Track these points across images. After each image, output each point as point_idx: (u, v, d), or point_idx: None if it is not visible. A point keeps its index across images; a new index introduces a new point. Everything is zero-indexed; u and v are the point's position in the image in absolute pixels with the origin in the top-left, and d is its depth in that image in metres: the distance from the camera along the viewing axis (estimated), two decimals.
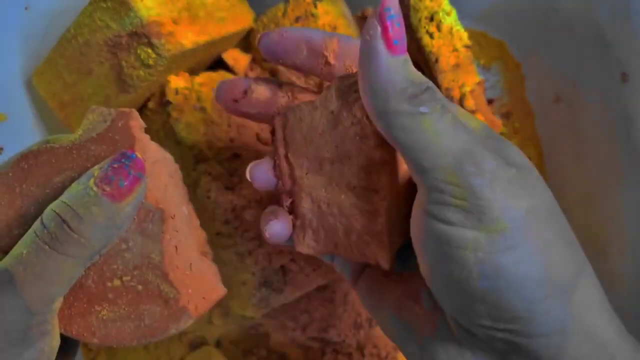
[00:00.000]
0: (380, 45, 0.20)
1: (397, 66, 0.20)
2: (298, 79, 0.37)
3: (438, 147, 0.20)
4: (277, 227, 0.26)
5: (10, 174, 0.24)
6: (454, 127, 0.20)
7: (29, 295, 0.20)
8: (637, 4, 0.36)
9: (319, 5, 0.37)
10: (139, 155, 0.23)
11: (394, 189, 0.24)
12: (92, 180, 0.22)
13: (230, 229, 0.34)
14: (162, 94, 0.36)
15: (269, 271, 0.34)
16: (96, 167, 0.22)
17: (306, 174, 0.25)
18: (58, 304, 0.22)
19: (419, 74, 0.21)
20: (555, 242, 0.20)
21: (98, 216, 0.21)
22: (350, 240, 0.25)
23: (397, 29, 0.20)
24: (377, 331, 0.38)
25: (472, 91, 0.35)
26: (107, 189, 0.21)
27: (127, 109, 0.25)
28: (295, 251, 0.34)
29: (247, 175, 0.27)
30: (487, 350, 0.22)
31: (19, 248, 0.21)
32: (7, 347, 0.20)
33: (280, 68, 0.37)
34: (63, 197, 0.22)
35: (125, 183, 0.22)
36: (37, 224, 0.21)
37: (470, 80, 0.35)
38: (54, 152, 0.24)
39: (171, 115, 0.35)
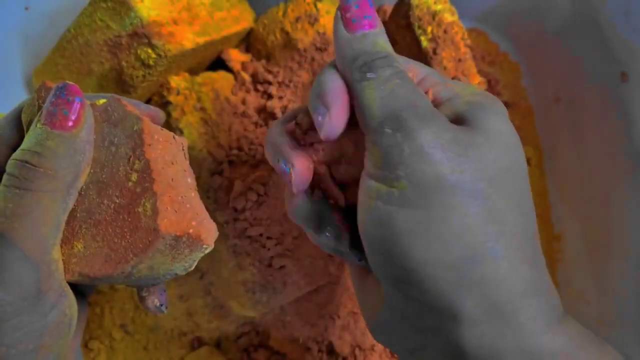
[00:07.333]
0: (339, 25, 0.23)
1: (351, 41, 0.23)
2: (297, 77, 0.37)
3: (371, 111, 0.22)
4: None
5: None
6: (393, 93, 0.22)
7: (22, 242, 0.20)
8: (637, 4, 0.36)
9: (319, 5, 0.37)
10: (69, 83, 0.23)
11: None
12: (38, 122, 0.22)
13: (230, 229, 0.34)
14: (162, 94, 0.36)
15: (269, 271, 0.34)
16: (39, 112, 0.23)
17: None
18: (57, 253, 0.22)
19: (383, 45, 0.23)
20: (465, 214, 0.20)
21: (56, 148, 0.22)
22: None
23: (354, 10, 0.23)
24: None
25: None
26: (54, 120, 0.22)
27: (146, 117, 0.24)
28: (296, 252, 0.34)
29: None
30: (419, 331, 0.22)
31: None
32: (27, 308, 0.20)
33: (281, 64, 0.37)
34: (19, 148, 0.22)
35: (69, 110, 0.22)
36: (3, 178, 0.22)
37: (470, 80, 0.35)
38: None
39: (171, 115, 0.35)
